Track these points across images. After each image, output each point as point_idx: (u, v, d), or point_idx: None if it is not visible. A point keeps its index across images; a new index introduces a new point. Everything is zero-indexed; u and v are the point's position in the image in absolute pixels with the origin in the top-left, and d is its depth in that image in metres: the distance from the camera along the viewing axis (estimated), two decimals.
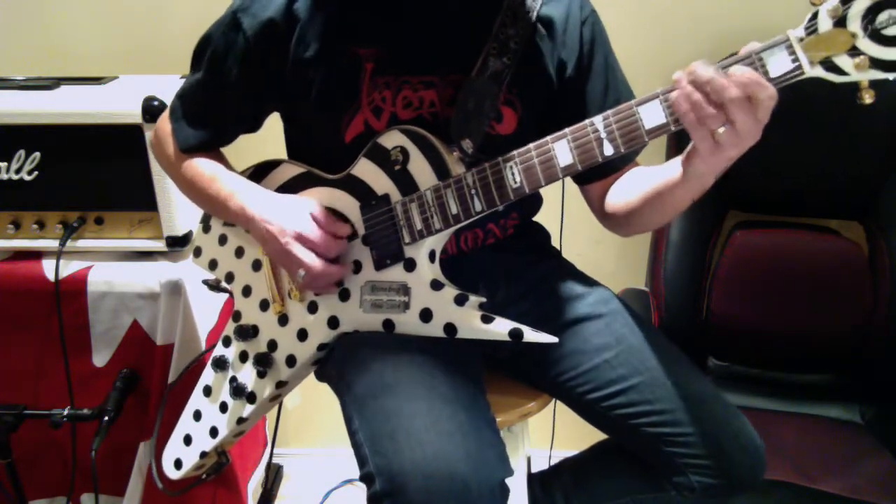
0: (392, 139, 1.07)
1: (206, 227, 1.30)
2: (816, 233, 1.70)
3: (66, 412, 1.50)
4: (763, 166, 1.69)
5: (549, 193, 1.05)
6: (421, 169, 1.06)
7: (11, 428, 1.49)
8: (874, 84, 0.83)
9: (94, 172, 1.51)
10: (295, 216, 1.07)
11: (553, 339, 1.01)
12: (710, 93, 0.83)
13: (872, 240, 1.69)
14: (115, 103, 1.48)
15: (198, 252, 1.31)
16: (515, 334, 1.01)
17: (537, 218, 1.33)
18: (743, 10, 1.75)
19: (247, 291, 1.23)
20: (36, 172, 1.51)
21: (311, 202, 1.10)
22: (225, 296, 1.68)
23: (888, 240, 1.65)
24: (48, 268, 1.52)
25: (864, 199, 1.69)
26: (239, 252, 1.24)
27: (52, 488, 1.74)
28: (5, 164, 1.50)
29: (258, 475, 1.92)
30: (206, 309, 1.60)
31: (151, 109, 1.44)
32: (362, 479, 0.97)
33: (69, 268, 1.54)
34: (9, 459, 1.50)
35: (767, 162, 1.69)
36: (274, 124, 1.22)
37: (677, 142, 1.72)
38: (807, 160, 1.65)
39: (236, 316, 1.24)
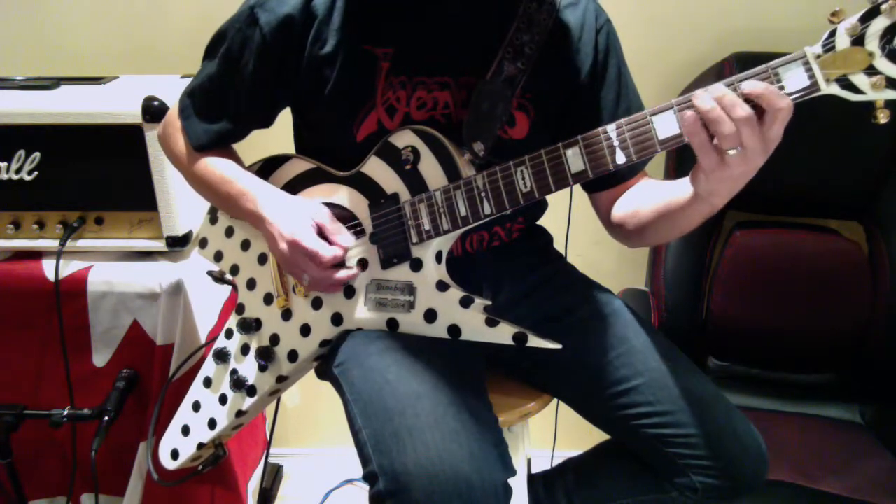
0: (403, 138, 1.07)
1: (212, 219, 1.30)
2: (816, 233, 1.70)
3: (66, 412, 1.50)
4: (763, 166, 1.69)
5: (553, 196, 1.05)
6: (431, 169, 1.06)
7: (11, 428, 1.48)
8: (889, 103, 0.83)
9: (94, 172, 1.51)
10: (298, 224, 1.06)
11: (557, 346, 1.01)
12: (724, 108, 0.84)
13: (872, 240, 1.69)
14: (115, 103, 1.48)
15: (203, 243, 1.31)
16: (519, 339, 1.01)
17: (541, 220, 1.33)
18: (743, 10, 1.75)
19: (251, 284, 1.23)
20: (36, 172, 1.51)
21: (318, 208, 1.10)
22: (225, 295, 1.68)
23: (888, 240, 1.65)
24: (48, 268, 1.52)
25: (864, 199, 1.69)
26: (245, 245, 1.24)
27: (52, 488, 1.74)
28: (5, 164, 1.50)
29: (258, 475, 1.91)
30: (206, 309, 1.60)
31: (151, 109, 1.44)
32: (365, 478, 0.97)
33: (69, 268, 1.54)
34: (9, 459, 1.50)
35: (767, 162, 1.68)
36: (281, 118, 1.22)
37: (677, 154, 1.72)
38: (807, 160, 1.65)
39: (240, 308, 1.24)
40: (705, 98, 0.85)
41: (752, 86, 0.84)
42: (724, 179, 0.89)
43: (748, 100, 0.84)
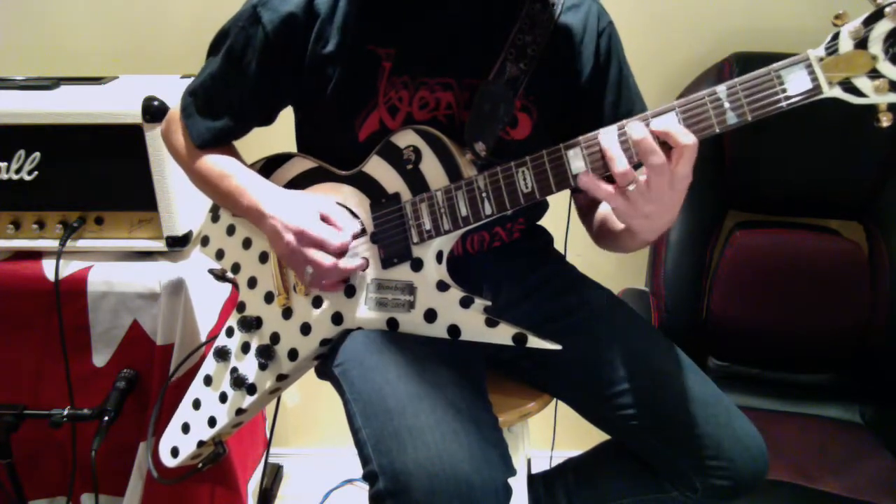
0: (405, 138, 1.07)
1: (214, 217, 1.30)
2: (816, 233, 1.71)
3: (66, 412, 1.50)
4: (763, 166, 1.70)
5: (554, 196, 1.06)
6: (433, 169, 1.06)
7: (11, 428, 1.48)
8: (892, 107, 0.83)
9: (94, 172, 1.51)
10: (304, 215, 1.06)
11: (557, 347, 1.01)
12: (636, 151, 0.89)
13: (872, 240, 1.70)
14: (115, 103, 1.48)
15: (205, 241, 1.31)
16: (519, 340, 1.01)
17: (542, 221, 1.33)
18: (743, 10, 1.75)
19: (252, 283, 1.23)
20: (36, 172, 1.51)
21: (321, 200, 1.10)
22: (225, 296, 1.68)
23: (888, 240, 1.65)
24: (48, 268, 1.52)
25: (864, 199, 1.69)
26: (246, 243, 1.24)
27: (52, 488, 1.74)
28: (5, 164, 1.50)
29: (258, 475, 1.91)
30: (206, 309, 1.60)
31: (151, 109, 1.44)
32: (365, 477, 0.97)
33: (69, 268, 1.54)
34: (9, 459, 1.50)
35: (767, 162, 1.69)
36: (284, 117, 1.22)
37: None
38: (807, 160, 1.66)
39: (240, 307, 1.24)
40: (607, 138, 0.91)
41: (658, 125, 0.87)
42: (637, 217, 0.93)
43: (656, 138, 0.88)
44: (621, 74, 1.17)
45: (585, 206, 1.27)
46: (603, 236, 1.20)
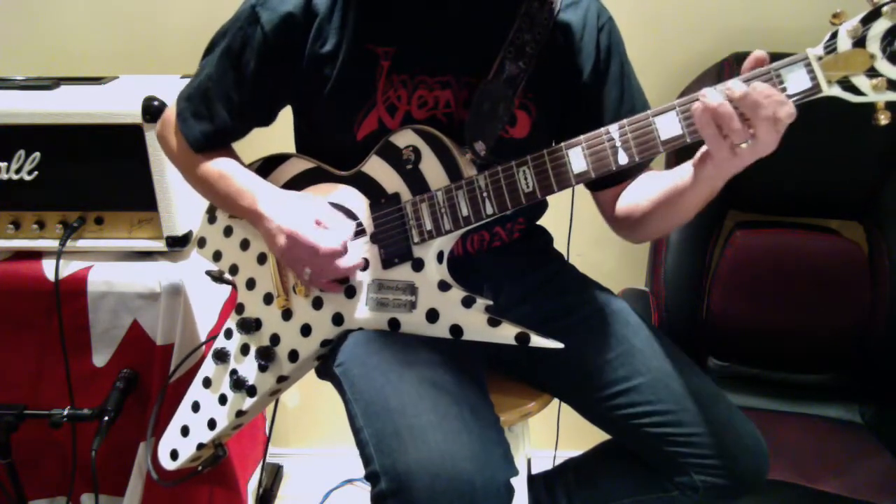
0: (404, 138, 1.07)
1: (211, 218, 1.29)
2: (816, 233, 1.70)
3: (66, 412, 1.50)
4: (763, 166, 1.68)
5: (555, 196, 1.06)
6: (433, 169, 1.06)
7: (11, 428, 1.48)
8: (890, 105, 0.83)
9: (94, 172, 1.51)
10: (298, 218, 1.06)
11: (559, 345, 1.01)
12: (743, 108, 0.85)
13: (872, 240, 1.70)
14: (115, 103, 1.48)
15: (202, 242, 1.30)
16: (521, 339, 1.01)
17: (543, 219, 1.33)
18: (742, 10, 1.75)
19: (251, 284, 1.23)
20: (36, 172, 1.51)
21: (317, 202, 1.10)
22: (225, 295, 1.68)
23: (888, 240, 1.65)
24: (48, 268, 1.52)
25: (864, 199, 1.69)
26: (244, 244, 1.24)
27: (52, 488, 1.74)
28: (5, 164, 1.50)
29: (258, 475, 1.91)
30: (206, 309, 1.60)
31: (151, 109, 1.44)
32: (367, 477, 0.97)
33: (69, 268, 1.53)
34: (9, 459, 1.50)
35: (767, 162, 1.68)
36: (282, 117, 1.22)
37: (678, 153, 1.72)
38: (807, 160, 1.65)
39: (239, 308, 1.24)
40: (715, 95, 0.86)
41: (760, 87, 0.85)
42: (734, 168, 0.91)
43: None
44: (623, 70, 1.17)
45: (612, 200, 1.21)
46: (651, 212, 1.11)
